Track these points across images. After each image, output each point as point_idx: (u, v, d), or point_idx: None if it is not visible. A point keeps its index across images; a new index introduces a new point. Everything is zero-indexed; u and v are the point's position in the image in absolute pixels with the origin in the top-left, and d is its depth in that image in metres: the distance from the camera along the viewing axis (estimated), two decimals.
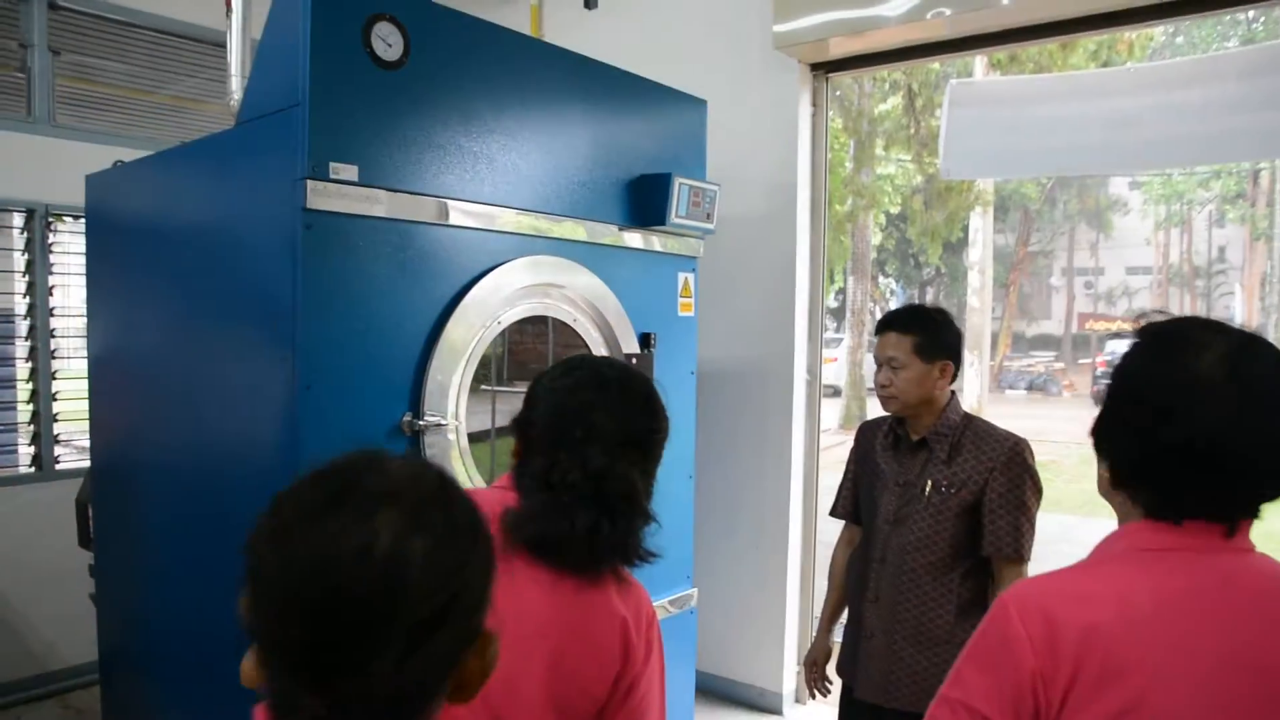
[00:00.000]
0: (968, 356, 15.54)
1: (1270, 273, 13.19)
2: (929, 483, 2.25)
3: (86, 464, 3.36)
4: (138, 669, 2.90)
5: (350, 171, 2.07)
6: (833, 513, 2.62)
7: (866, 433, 2.49)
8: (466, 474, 2.34)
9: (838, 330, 20.68)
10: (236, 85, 2.73)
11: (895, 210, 15.22)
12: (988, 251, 14.64)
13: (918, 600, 2.26)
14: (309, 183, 1.99)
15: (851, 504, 2.53)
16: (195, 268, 2.44)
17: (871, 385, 2.48)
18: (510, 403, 2.56)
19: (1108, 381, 1.22)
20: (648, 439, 1.37)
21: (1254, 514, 1.14)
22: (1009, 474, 2.19)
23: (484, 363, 2.45)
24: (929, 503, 2.24)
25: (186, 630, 2.54)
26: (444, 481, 0.83)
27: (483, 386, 2.47)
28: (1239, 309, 23.85)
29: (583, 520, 1.27)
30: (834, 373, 16.40)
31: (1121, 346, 1.22)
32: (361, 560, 0.73)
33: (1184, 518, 1.13)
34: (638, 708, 1.33)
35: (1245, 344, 1.12)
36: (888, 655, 2.29)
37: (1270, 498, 1.13)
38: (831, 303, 21.91)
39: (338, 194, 2.04)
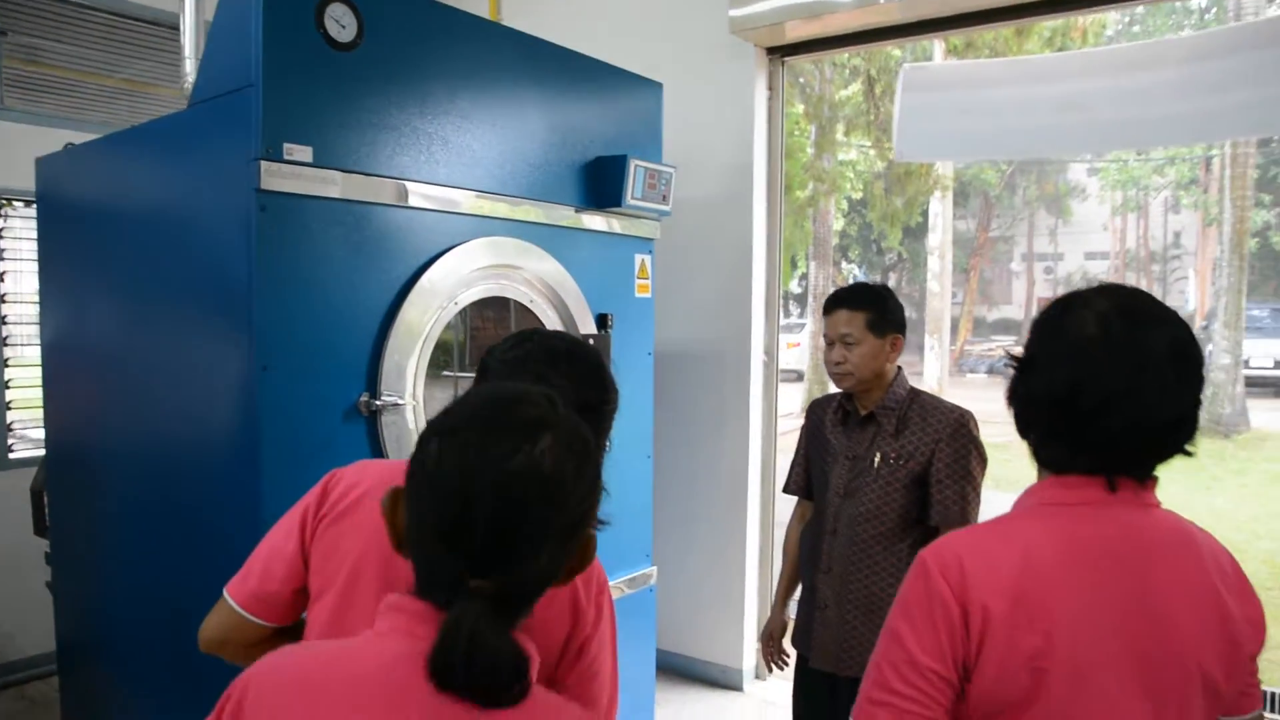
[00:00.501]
0: (928, 340, 15.74)
1: (1220, 257, 13.46)
2: (877, 455, 2.31)
3: (41, 453, 3.33)
4: (96, 658, 2.89)
5: (305, 153, 2.07)
6: (785, 489, 2.67)
7: (816, 410, 2.54)
8: None
9: (800, 315, 20.82)
10: (190, 68, 2.72)
11: (857, 196, 15.35)
12: (947, 236, 14.81)
13: (869, 570, 2.32)
14: (263, 164, 1.99)
15: (804, 480, 2.58)
16: (149, 251, 2.43)
17: None
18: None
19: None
20: (598, 409, 1.40)
21: (1141, 472, 1.20)
22: (954, 445, 2.25)
23: (445, 348, 2.47)
24: (878, 475, 2.30)
25: (146, 617, 2.54)
26: (574, 415, 0.99)
27: (444, 372, 2.49)
28: (1192, 293, 24.35)
29: None
30: (797, 357, 16.53)
31: None
32: (533, 475, 0.90)
33: (1063, 469, 1.21)
34: (588, 670, 1.36)
35: (1128, 306, 1.18)
36: (840, 625, 2.35)
37: (1154, 455, 1.19)
38: (794, 288, 22.06)
39: (292, 175, 2.05)
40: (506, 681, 0.89)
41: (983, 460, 2.28)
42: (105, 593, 2.78)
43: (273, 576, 1.41)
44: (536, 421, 0.93)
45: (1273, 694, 4.65)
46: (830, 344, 2.37)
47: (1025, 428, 1.25)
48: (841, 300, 2.37)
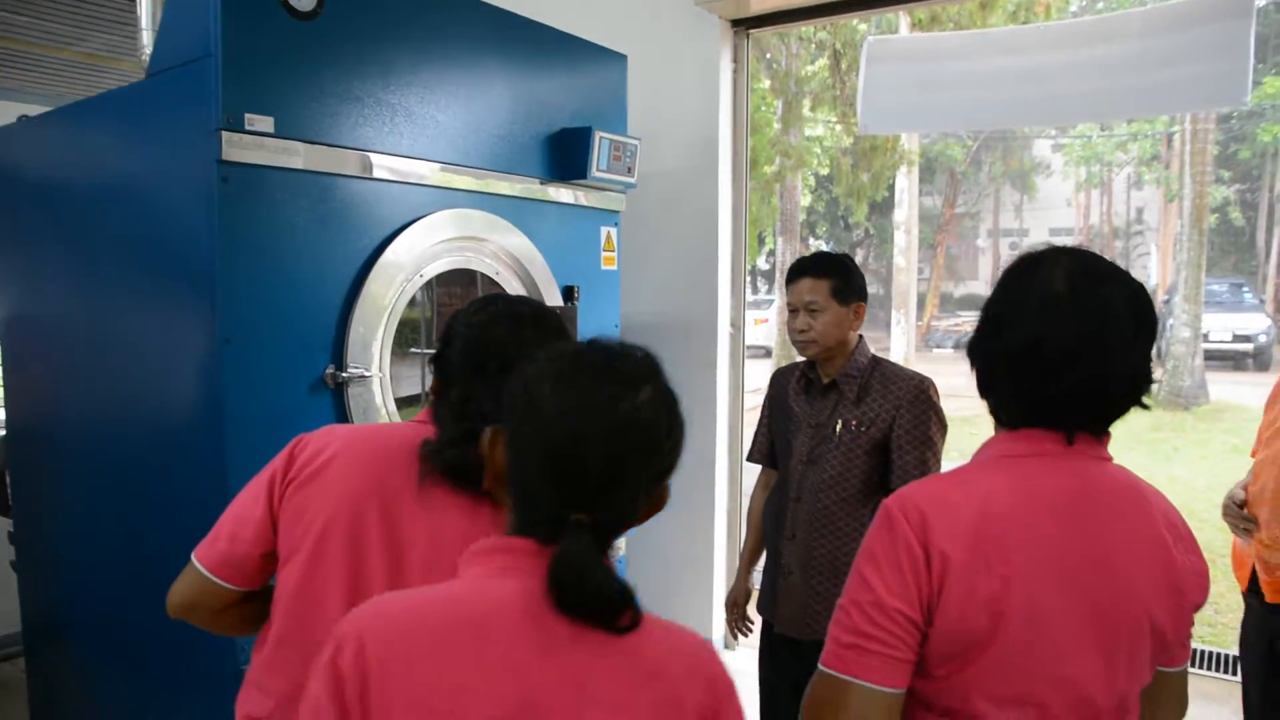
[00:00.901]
0: (895, 315, 15.87)
1: (1181, 232, 13.66)
2: (839, 423, 2.34)
3: (1, 432, 3.29)
4: (63, 636, 2.88)
5: (266, 123, 2.06)
6: (749, 458, 2.71)
7: (780, 379, 2.57)
8: (388, 419, 2.36)
9: (769, 292, 20.89)
10: (148, 39, 2.69)
11: (824, 172, 15.40)
12: (913, 212, 14.91)
13: (832, 536, 2.36)
14: (224, 134, 1.97)
15: (767, 448, 2.62)
16: (108, 224, 2.40)
17: None
18: None
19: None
20: None
21: (1099, 426, 1.25)
22: (914, 411, 2.29)
23: (413, 326, 2.47)
24: (840, 441, 2.34)
25: (113, 594, 2.54)
26: (665, 373, 1.07)
27: (412, 349, 2.49)
28: (1154, 269, 24.71)
29: None
30: (765, 333, 16.62)
31: None
32: (638, 422, 0.99)
33: (1023, 424, 1.25)
34: None
35: (1090, 265, 1.23)
36: (805, 590, 2.39)
37: (1113, 408, 1.23)
38: (762, 265, 22.12)
39: (254, 146, 2.03)
40: (621, 604, 0.98)
41: (943, 426, 2.32)
42: (71, 571, 2.77)
43: (241, 540, 1.43)
44: (640, 374, 1.02)
45: (1230, 656, 4.79)
46: (794, 312, 2.39)
47: (986, 385, 1.29)
48: (805, 269, 2.40)
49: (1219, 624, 5.41)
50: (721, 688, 1.05)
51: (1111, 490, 1.25)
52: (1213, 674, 4.56)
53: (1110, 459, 1.27)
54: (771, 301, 17.22)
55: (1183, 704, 1.38)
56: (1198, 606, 1.29)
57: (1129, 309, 1.20)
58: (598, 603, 0.97)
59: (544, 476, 0.99)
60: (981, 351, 1.28)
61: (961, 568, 1.16)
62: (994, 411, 1.30)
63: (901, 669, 1.19)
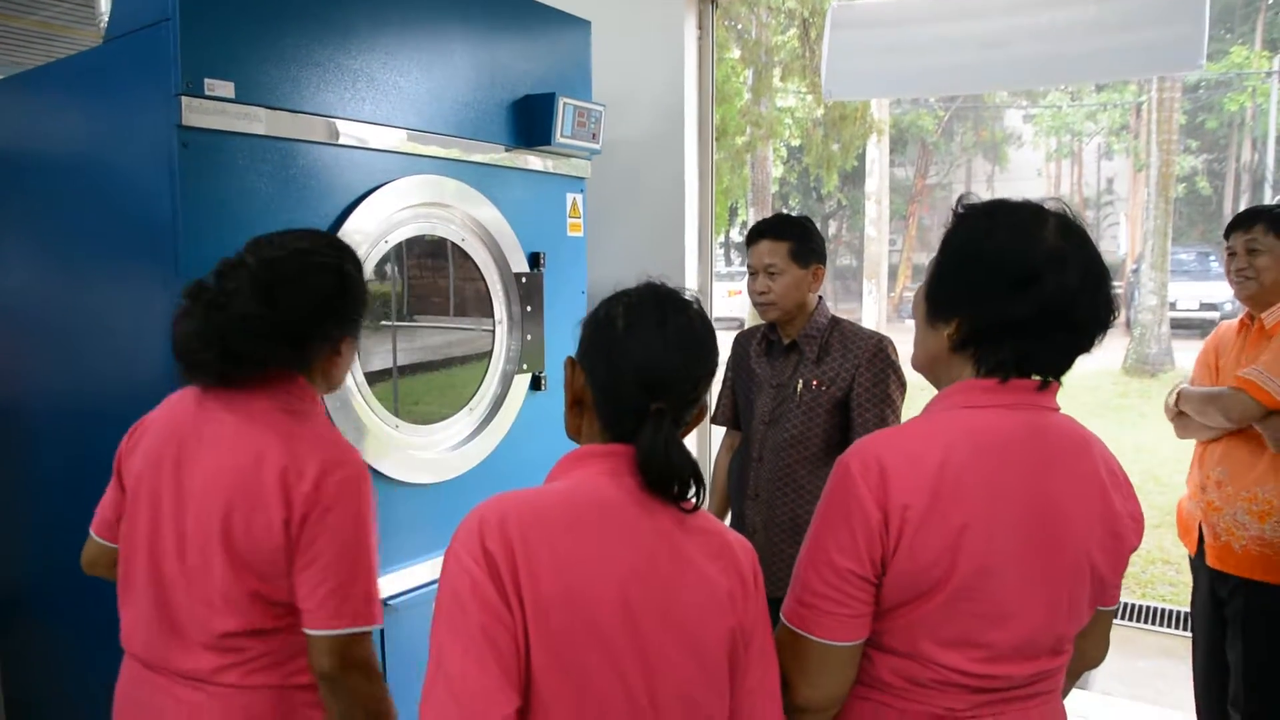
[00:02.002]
0: (866, 285, 15.97)
1: (1148, 200, 13.81)
2: (800, 383, 2.39)
3: None
4: (30, 612, 2.88)
5: (227, 88, 2.06)
6: (713, 420, 2.75)
7: (742, 341, 2.61)
8: (356, 386, 2.38)
9: (742, 263, 20.87)
10: (105, 5, 2.65)
11: (796, 143, 15.40)
12: (884, 182, 14.98)
13: (794, 494, 2.41)
14: (184, 99, 1.97)
15: (731, 411, 2.66)
16: (66, 193, 2.39)
17: None
18: (412, 339, 2.60)
19: (941, 256, 1.34)
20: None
21: (1057, 370, 1.30)
22: (873, 369, 2.33)
23: (383, 299, 2.48)
24: (801, 401, 2.38)
25: (79, 573, 2.53)
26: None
27: (383, 322, 2.50)
28: (1124, 238, 24.95)
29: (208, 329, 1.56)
30: (739, 305, 16.65)
31: None
32: (689, 331, 1.26)
33: (1015, 375, 1.27)
34: (316, 559, 1.52)
35: (1064, 220, 1.28)
36: (768, 549, 2.44)
37: (1075, 347, 1.29)
38: (735, 237, 22.12)
39: (215, 111, 2.03)
40: (692, 478, 1.21)
41: (901, 384, 2.37)
42: (37, 545, 2.76)
43: (107, 506, 1.78)
44: (683, 302, 1.30)
45: (1178, 612, 4.92)
46: (754, 274, 2.43)
47: (992, 337, 1.29)
48: (764, 231, 2.43)
49: (1180, 583, 5.54)
50: (758, 569, 1.29)
51: (1059, 439, 1.29)
52: (1174, 631, 4.69)
53: (1057, 408, 1.32)
54: (745, 273, 17.22)
55: (1108, 640, 1.46)
56: (1133, 549, 1.35)
57: (1098, 257, 1.28)
58: (678, 472, 1.19)
59: (634, 383, 1.22)
60: (979, 307, 1.28)
61: (920, 519, 1.20)
62: (970, 357, 1.31)
63: (857, 624, 1.24)
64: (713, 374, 1.30)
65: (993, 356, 1.29)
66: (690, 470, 1.21)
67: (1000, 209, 1.32)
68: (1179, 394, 2.70)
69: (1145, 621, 4.98)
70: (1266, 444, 2.47)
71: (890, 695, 1.28)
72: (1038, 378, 1.29)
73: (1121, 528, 1.31)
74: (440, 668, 1.11)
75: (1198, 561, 2.74)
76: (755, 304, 2.44)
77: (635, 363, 1.23)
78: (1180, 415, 2.70)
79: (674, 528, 1.22)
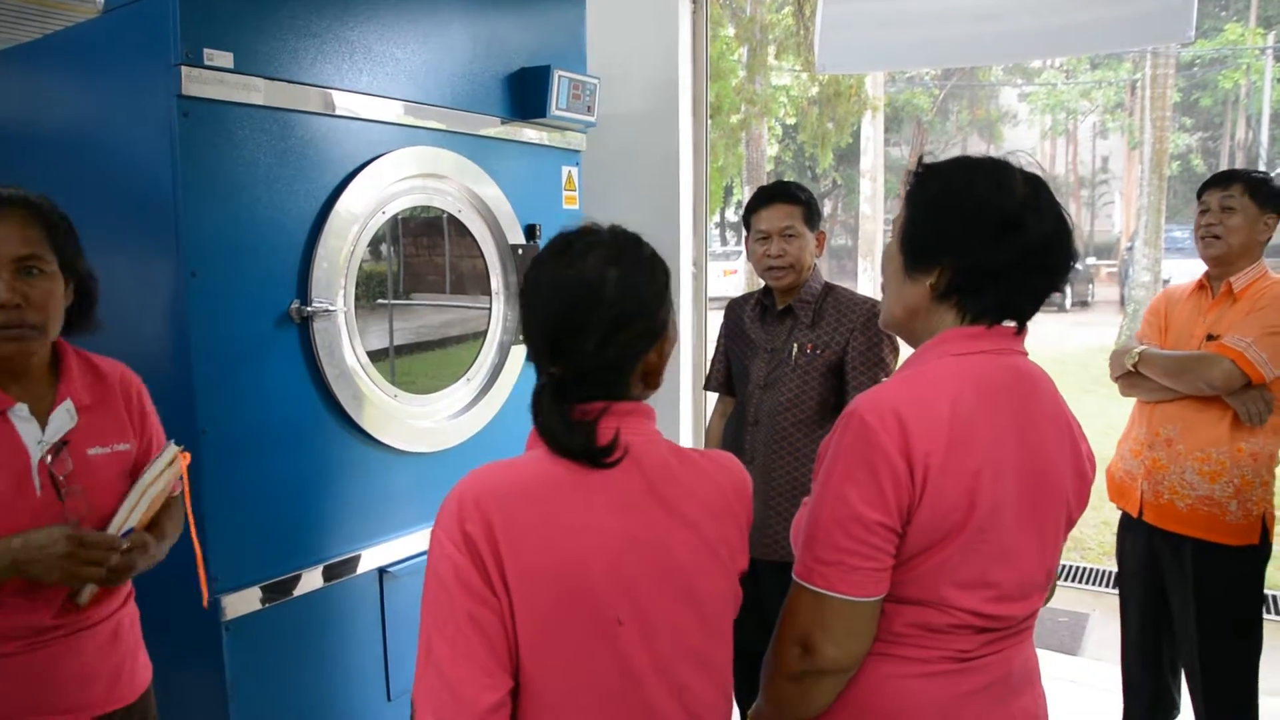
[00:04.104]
0: (861, 264, 16.00)
1: (1142, 177, 13.84)
2: (795, 347, 2.42)
3: None
4: None
5: (226, 59, 2.08)
6: (707, 386, 2.78)
7: (735, 308, 2.64)
8: (355, 355, 2.41)
9: (737, 243, 20.91)
10: None
11: (791, 121, 15.38)
12: (879, 159, 14.98)
13: (790, 457, 2.45)
14: (184, 69, 1.99)
15: (724, 376, 2.69)
16: (68, 163, 2.40)
17: None
18: (408, 319, 2.62)
19: (913, 209, 1.37)
20: None
21: (1029, 311, 1.35)
22: (867, 334, 2.37)
23: (379, 279, 2.50)
24: (796, 365, 2.42)
25: None
26: (638, 239, 1.30)
27: (379, 300, 2.53)
28: (1119, 217, 24.97)
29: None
30: (735, 284, 16.68)
31: None
32: (585, 284, 1.19)
33: (999, 320, 1.31)
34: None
35: (1032, 175, 1.31)
36: (764, 511, 2.48)
37: (1047, 288, 1.33)
38: (730, 217, 22.13)
39: (215, 81, 2.05)
40: (590, 449, 1.18)
41: (894, 349, 2.41)
42: None
43: None
44: (588, 243, 1.25)
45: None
46: (766, 238, 2.42)
47: (977, 284, 1.31)
48: (778, 194, 2.43)
49: None
50: (749, 494, 1.33)
51: (1033, 382, 1.34)
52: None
53: (1026, 353, 1.37)
54: (739, 253, 17.26)
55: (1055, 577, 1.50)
56: (1091, 485, 1.41)
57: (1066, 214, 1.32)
58: (567, 450, 1.18)
59: (536, 352, 1.24)
60: (965, 255, 1.31)
61: (940, 466, 1.22)
62: (953, 305, 1.34)
63: (884, 577, 1.25)
64: (638, 321, 1.22)
65: (977, 303, 1.32)
66: (576, 442, 1.18)
67: (970, 162, 1.35)
68: (1141, 356, 2.67)
69: None
70: (1234, 412, 2.49)
71: (905, 647, 1.30)
72: (1013, 324, 1.33)
73: (1084, 467, 1.38)
74: (430, 655, 1.12)
75: (1134, 521, 2.74)
76: (767, 268, 2.43)
77: (529, 324, 1.25)
78: (1130, 374, 2.69)
79: (661, 480, 1.22)
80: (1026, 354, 1.36)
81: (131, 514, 1.67)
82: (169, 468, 1.73)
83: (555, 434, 1.18)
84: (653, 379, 1.28)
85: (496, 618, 1.11)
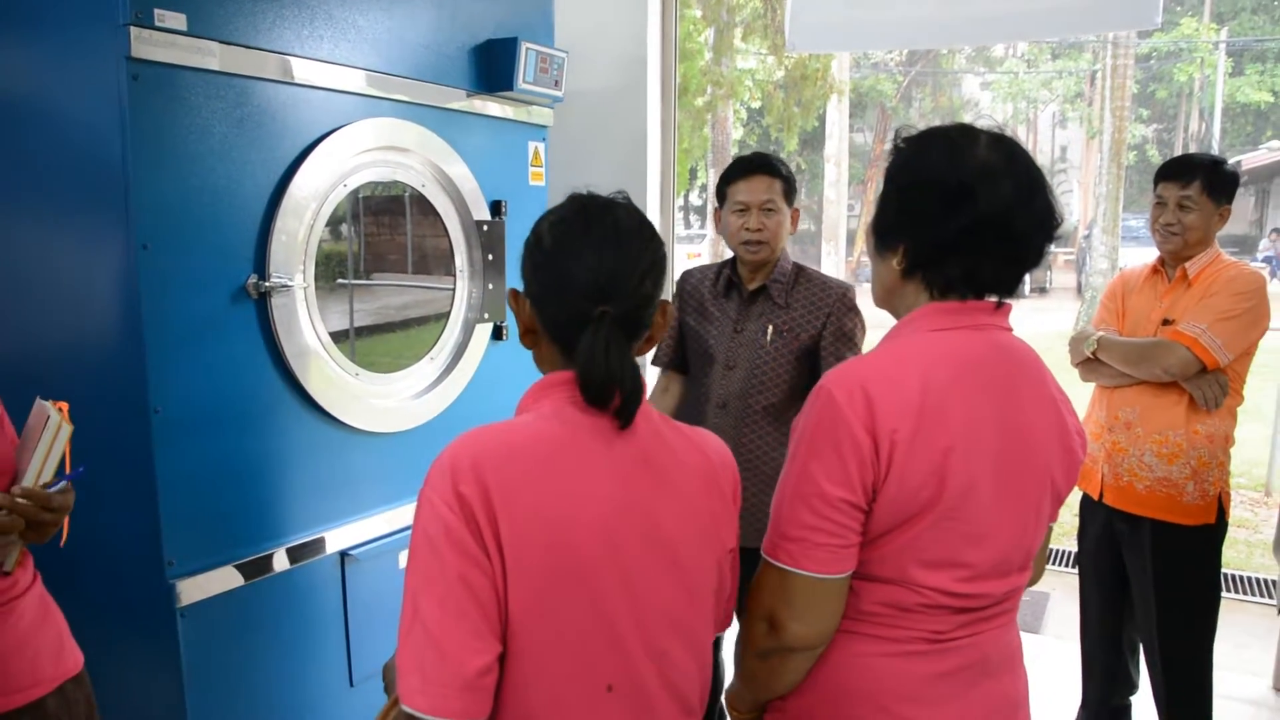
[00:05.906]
0: (825, 248, 16.06)
1: (1100, 166, 14.02)
2: (770, 328, 2.38)
3: None
4: None
5: (178, 20, 1.99)
6: (655, 361, 2.69)
7: (692, 280, 2.55)
8: (315, 332, 2.34)
9: (701, 226, 20.89)
10: None
11: (756, 105, 15.37)
12: (843, 144, 15.03)
13: (760, 441, 2.42)
14: (133, 30, 1.90)
15: (674, 352, 2.62)
16: (10, 130, 2.30)
17: None
18: (369, 300, 2.55)
19: (884, 184, 1.35)
20: None
21: (1008, 287, 1.31)
22: (841, 317, 2.35)
23: (340, 259, 2.43)
24: (770, 347, 2.38)
25: None
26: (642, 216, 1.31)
27: (339, 280, 2.45)
28: (1077, 206, 25.33)
29: None
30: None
31: None
32: (627, 232, 1.24)
33: (971, 294, 1.28)
34: None
35: (1000, 137, 1.28)
36: None
37: (1025, 273, 1.30)
38: (694, 200, 22.10)
39: (166, 43, 1.96)
40: (637, 383, 1.18)
41: (864, 329, 2.39)
42: None
43: None
44: (606, 202, 1.29)
45: None
46: (744, 210, 2.36)
47: (936, 257, 1.29)
48: (760, 165, 2.36)
49: None
50: (735, 471, 1.33)
51: (1020, 358, 1.32)
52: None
53: (1010, 328, 1.34)
54: (704, 236, 17.25)
55: (1046, 556, 1.51)
56: (1080, 464, 1.39)
57: (1039, 171, 1.29)
58: (616, 377, 1.15)
59: (566, 299, 1.20)
60: (921, 229, 1.29)
61: (908, 443, 1.20)
62: (920, 280, 1.32)
63: (849, 554, 1.23)
64: (660, 267, 1.26)
65: (940, 277, 1.30)
66: (630, 379, 1.17)
67: (932, 132, 1.33)
68: (1100, 343, 2.70)
69: None
70: (1191, 396, 2.53)
71: (877, 626, 1.29)
72: (993, 299, 1.30)
73: (1073, 443, 1.36)
74: (418, 615, 1.09)
75: (1095, 503, 2.79)
76: (742, 243, 2.36)
77: (570, 275, 1.21)
78: (1088, 361, 2.72)
79: (653, 448, 1.22)
80: (1010, 329, 1.34)
81: (44, 467, 1.62)
82: (60, 415, 1.66)
83: (614, 373, 1.16)
84: (657, 335, 1.29)
85: (488, 581, 1.10)
